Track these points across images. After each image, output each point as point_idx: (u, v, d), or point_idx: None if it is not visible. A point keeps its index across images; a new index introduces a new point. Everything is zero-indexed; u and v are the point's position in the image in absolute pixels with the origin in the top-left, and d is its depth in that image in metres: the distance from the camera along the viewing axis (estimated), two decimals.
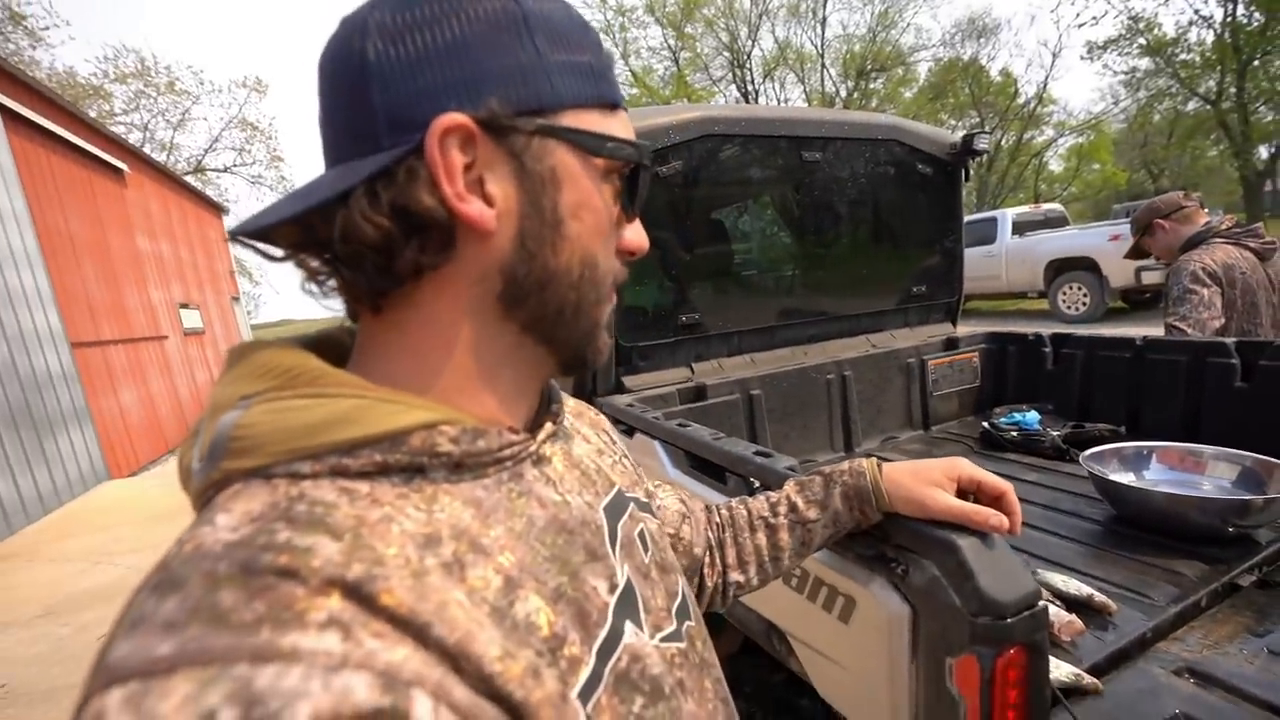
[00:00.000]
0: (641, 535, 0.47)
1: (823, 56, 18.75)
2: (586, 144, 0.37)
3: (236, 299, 12.79)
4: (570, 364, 0.43)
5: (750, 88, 19.25)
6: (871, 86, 18.69)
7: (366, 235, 0.33)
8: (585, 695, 0.34)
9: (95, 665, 0.25)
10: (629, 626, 0.39)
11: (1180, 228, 1.97)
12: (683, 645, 0.44)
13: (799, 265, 2.22)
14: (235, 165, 20.33)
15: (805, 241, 2.21)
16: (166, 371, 7.90)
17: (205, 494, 0.33)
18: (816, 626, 0.87)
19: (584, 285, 0.39)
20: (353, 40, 0.34)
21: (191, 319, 9.30)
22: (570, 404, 0.54)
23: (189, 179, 13.89)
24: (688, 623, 0.46)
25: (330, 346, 0.42)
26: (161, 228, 8.76)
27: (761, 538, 0.69)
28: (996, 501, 0.68)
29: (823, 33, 18.43)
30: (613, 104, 0.39)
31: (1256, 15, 12.44)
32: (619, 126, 0.39)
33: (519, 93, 0.35)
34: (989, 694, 0.65)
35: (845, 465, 0.71)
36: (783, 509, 0.70)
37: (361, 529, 0.30)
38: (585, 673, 0.34)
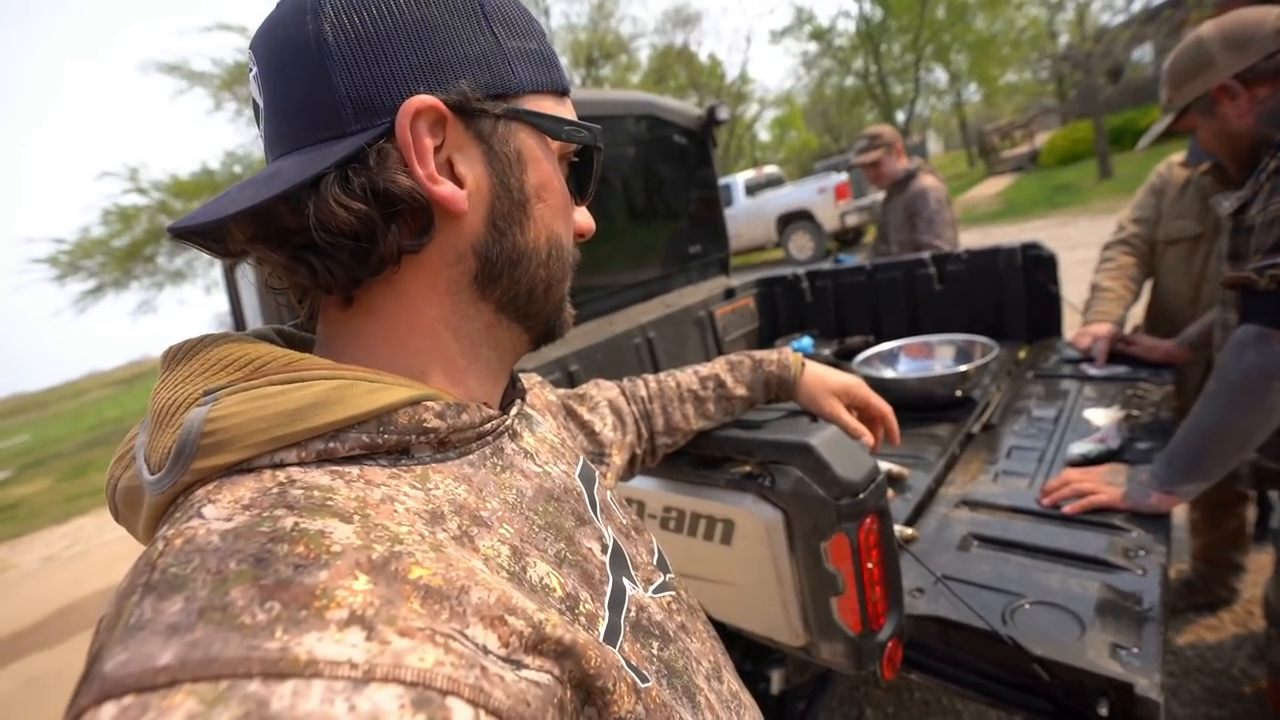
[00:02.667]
0: (612, 499, 0.49)
1: (551, 46, 19.18)
2: (547, 127, 0.38)
3: None
4: (541, 339, 0.44)
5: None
6: (601, 74, 19.64)
7: (343, 221, 0.31)
8: (610, 642, 0.34)
9: (87, 674, 0.21)
10: (626, 582, 0.41)
11: (902, 159, 2.39)
12: (673, 594, 0.47)
13: (591, 241, 2.27)
14: None
15: (594, 217, 2.27)
16: None
17: (168, 505, 0.28)
18: (702, 558, 0.93)
19: (552, 263, 0.41)
20: (305, 22, 0.33)
21: None
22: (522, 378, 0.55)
23: None
24: (669, 574, 0.49)
25: (272, 342, 0.38)
26: None
27: (690, 408, 0.79)
28: (874, 421, 0.85)
29: (547, 22, 18.78)
30: (564, 90, 0.41)
31: (879, 10, 15.87)
32: (569, 112, 0.41)
33: (484, 77, 0.36)
34: (858, 559, 0.77)
35: (774, 356, 0.82)
36: (711, 384, 0.80)
37: (368, 510, 0.28)
38: (603, 625, 0.35)
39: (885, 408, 0.85)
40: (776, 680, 1.20)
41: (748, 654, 1.18)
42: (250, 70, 0.36)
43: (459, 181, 0.36)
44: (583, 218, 0.45)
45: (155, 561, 0.24)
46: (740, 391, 0.81)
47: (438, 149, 0.34)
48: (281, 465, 0.29)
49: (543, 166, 0.39)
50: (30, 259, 11.16)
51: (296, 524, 0.25)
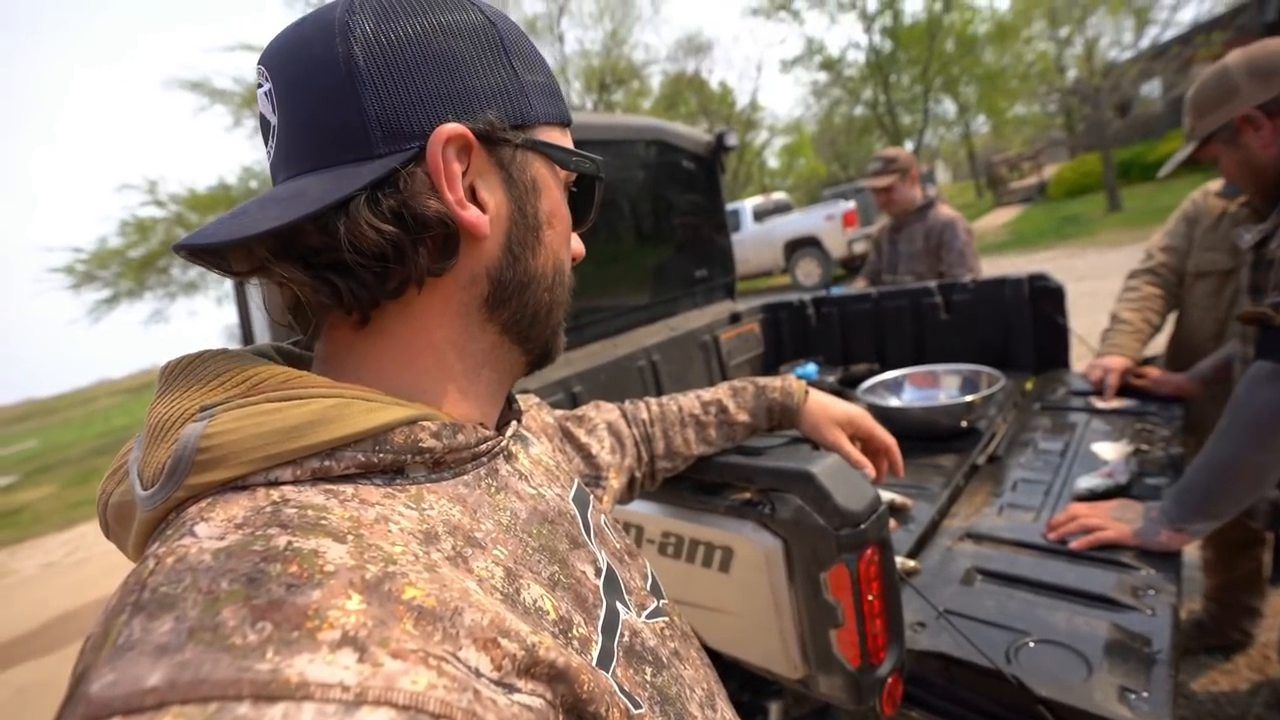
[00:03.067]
0: (607, 523, 0.49)
1: (564, 71, 19.53)
2: (558, 157, 0.40)
3: None
4: (538, 362, 0.45)
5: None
6: (613, 99, 19.98)
7: (374, 243, 0.32)
8: (603, 668, 0.34)
9: (71, 694, 0.20)
10: (620, 606, 0.40)
11: (917, 187, 2.32)
12: (666, 620, 0.46)
13: (594, 263, 2.29)
14: None
15: (599, 239, 2.29)
16: None
17: (159, 521, 0.28)
18: (700, 585, 0.92)
19: (555, 287, 0.42)
20: (334, 44, 0.33)
21: None
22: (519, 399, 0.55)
23: None
24: (663, 600, 0.48)
25: (275, 360, 0.38)
26: None
27: (690, 433, 0.78)
28: (877, 454, 0.85)
29: (561, 48, 19.18)
30: (568, 121, 0.43)
31: (888, 42, 16.14)
32: (570, 142, 0.43)
33: (507, 108, 0.37)
34: (858, 591, 0.75)
35: (778, 383, 0.82)
36: (713, 409, 0.80)
37: (361, 530, 0.27)
38: (596, 649, 0.35)
39: (889, 440, 0.85)
40: (775, 713, 1.17)
41: (745, 685, 1.16)
42: (262, 86, 0.37)
43: (482, 207, 0.37)
44: (575, 243, 0.47)
45: (145, 580, 0.24)
46: (743, 418, 0.81)
47: (463, 175, 0.35)
48: (276, 483, 0.29)
49: (553, 194, 0.41)
50: (47, 268, 11.35)
51: (290, 543, 0.25)
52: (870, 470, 0.82)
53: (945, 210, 2.27)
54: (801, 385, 0.83)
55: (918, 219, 2.31)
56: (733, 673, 1.00)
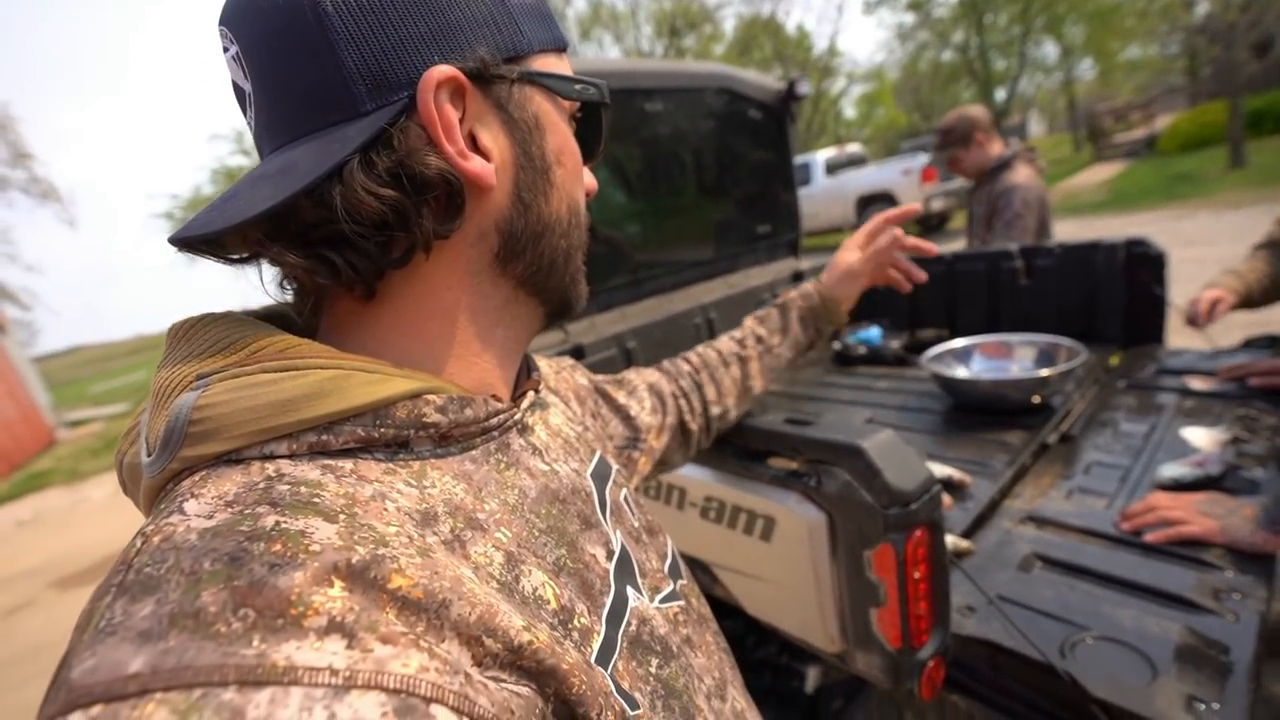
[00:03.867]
0: (626, 499, 0.47)
1: (634, 16, 18.86)
2: (558, 88, 0.36)
3: (2, 330, 10.31)
4: (557, 314, 0.42)
5: (569, 48, 18.96)
6: (684, 44, 19.20)
7: (374, 210, 0.30)
8: (603, 662, 0.33)
9: (55, 681, 0.20)
10: (630, 592, 0.39)
11: (989, 145, 2.16)
12: (682, 604, 0.44)
13: (655, 216, 2.25)
14: None
15: (658, 192, 2.24)
16: None
17: (161, 490, 0.28)
18: (740, 551, 0.91)
19: (572, 231, 0.39)
20: None
21: None
22: (549, 363, 0.53)
23: None
24: (681, 581, 0.47)
25: (282, 322, 0.37)
26: None
27: (736, 370, 0.77)
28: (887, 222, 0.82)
29: None
30: (565, 46, 0.39)
31: None
32: (568, 68, 0.39)
33: (497, 40, 0.33)
34: (903, 572, 0.72)
35: (794, 293, 0.81)
36: (750, 342, 0.79)
37: (355, 508, 0.27)
38: (598, 641, 0.33)
39: (889, 216, 0.82)
40: (812, 677, 1.17)
41: (784, 648, 1.16)
42: (227, 50, 0.33)
43: (485, 154, 0.34)
44: (587, 178, 0.42)
45: (131, 561, 0.23)
46: (776, 340, 0.80)
47: (460, 121, 0.32)
48: (271, 457, 0.28)
49: (559, 129, 0.37)
50: (151, 213, 12.21)
51: (278, 523, 0.24)
52: (901, 239, 0.81)
53: (1015, 175, 2.09)
54: (813, 282, 0.83)
55: (990, 180, 2.16)
56: (772, 636, 1.00)
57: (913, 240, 0.82)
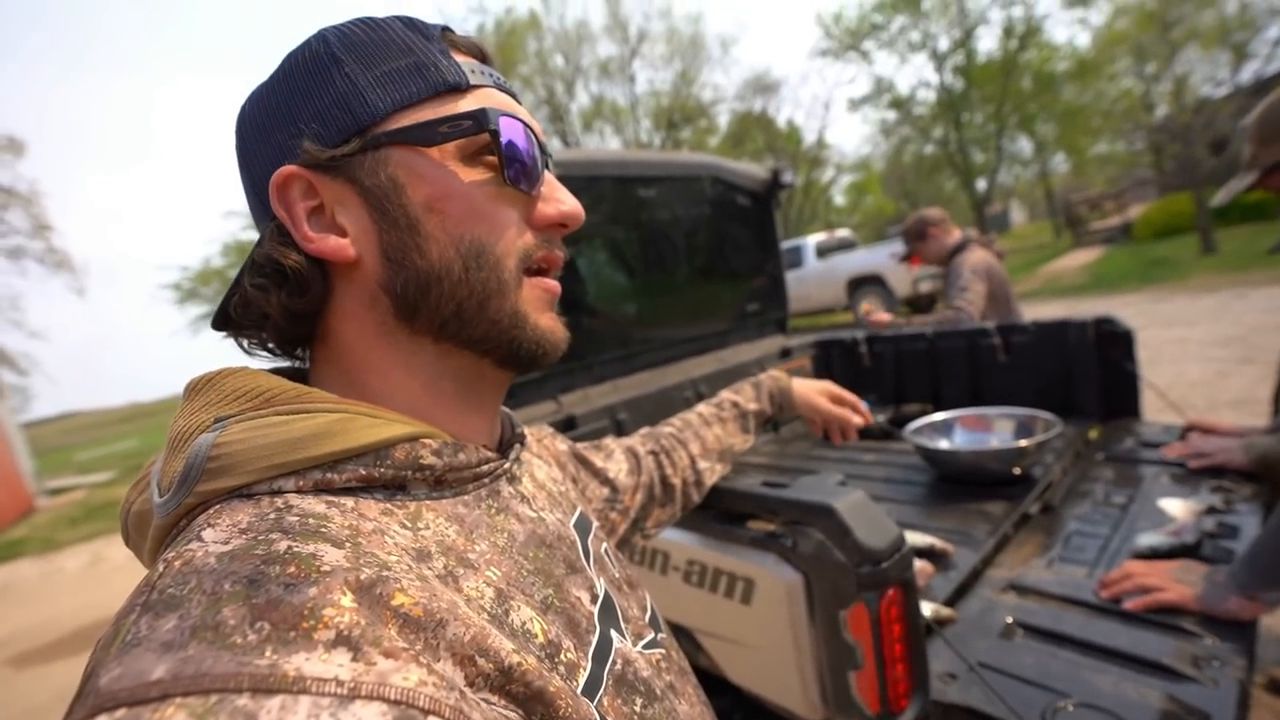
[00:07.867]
0: (607, 552, 0.49)
1: (634, 110, 20.15)
2: (417, 137, 0.36)
3: None
4: (507, 359, 0.40)
5: (571, 139, 20.05)
6: (681, 136, 20.39)
7: (252, 298, 0.37)
8: (589, 695, 0.34)
9: (82, 689, 0.22)
10: (614, 634, 0.40)
11: (945, 236, 2.43)
12: (664, 652, 0.46)
13: (647, 294, 2.35)
14: None
15: (650, 271, 2.35)
16: None
17: (172, 528, 0.30)
18: (721, 615, 0.91)
19: (472, 276, 0.37)
20: (238, 129, 0.39)
21: None
22: (530, 430, 0.57)
23: None
24: (661, 633, 0.48)
25: (296, 375, 0.42)
26: None
27: (717, 429, 0.84)
28: (844, 404, 0.97)
29: (632, 88, 19.84)
30: (453, 86, 0.37)
31: (959, 82, 15.85)
32: (469, 103, 0.37)
33: (336, 123, 0.35)
34: (878, 633, 0.73)
35: (764, 376, 0.93)
36: (727, 406, 0.87)
37: (359, 538, 0.29)
38: (584, 676, 0.35)
39: (852, 397, 0.97)
40: None
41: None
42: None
43: (342, 231, 0.36)
44: (548, 205, 0.40)
45: (155, 583, 0.25)
46: (753, 406, 0.89)
47: (319, 208, 0.36)
48: (280, 492, 0.30)
49: (429, 177, 0.36)
50: (158, 283, 12.58)
51: (290, 547, 0.26)
52: (857, 420, 0.95)
53: (970, 255, 2.34)
54: (781, 371, 0.96)
55: (949, 264, 2.43)
56: (754, 711, 0.98)
57: (853, 435, 0.97)
